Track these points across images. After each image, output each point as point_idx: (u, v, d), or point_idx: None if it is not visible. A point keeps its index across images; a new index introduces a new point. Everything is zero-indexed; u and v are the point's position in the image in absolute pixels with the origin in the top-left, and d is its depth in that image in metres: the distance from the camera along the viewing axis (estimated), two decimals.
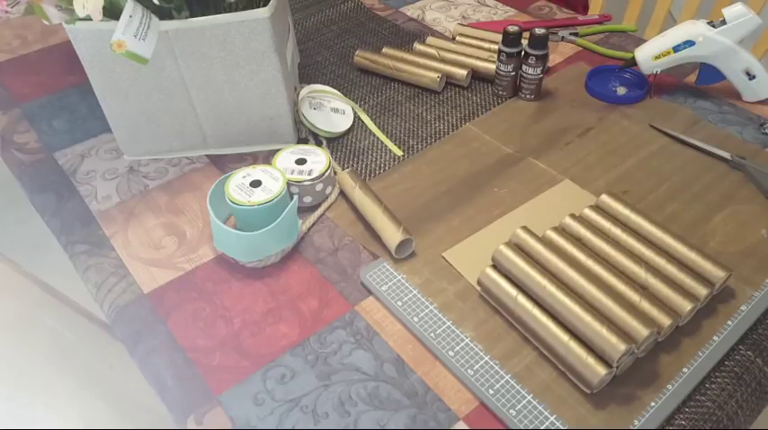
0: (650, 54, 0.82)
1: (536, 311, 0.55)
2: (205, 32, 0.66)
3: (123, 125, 0.75)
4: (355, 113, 0.85)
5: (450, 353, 0.55)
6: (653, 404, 0.51)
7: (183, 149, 0.78)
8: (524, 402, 0.52)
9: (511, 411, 0.51)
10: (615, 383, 0.53)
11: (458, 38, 0.96)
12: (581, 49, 0.97)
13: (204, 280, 0.63)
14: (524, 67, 0.83)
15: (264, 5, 0.66)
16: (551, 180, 0.73)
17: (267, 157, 0.78)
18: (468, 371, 0.54)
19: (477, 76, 0.90)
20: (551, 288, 0.55)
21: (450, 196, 0.72)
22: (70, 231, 0.70)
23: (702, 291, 0.56)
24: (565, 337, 0.53)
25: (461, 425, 0.51)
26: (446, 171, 0.75)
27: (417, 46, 0.94)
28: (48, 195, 0.74)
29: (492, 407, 0.52)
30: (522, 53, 0.83)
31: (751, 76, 0.81)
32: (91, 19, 0.61)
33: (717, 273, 0.57)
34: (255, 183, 0.65)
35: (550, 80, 0.90)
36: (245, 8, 0.67)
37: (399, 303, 0.59)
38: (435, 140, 0.80)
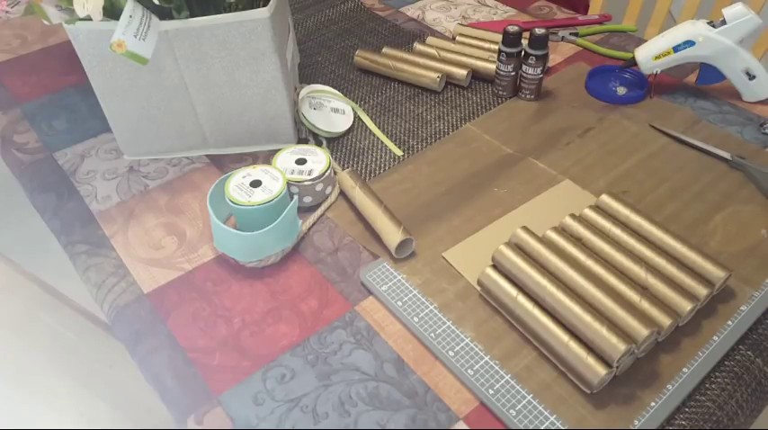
0: (650, 54, 0.82)
1: (536, 311, 0.55)
2: (205, 32, 0.66)
3: (123, 125, 0.75)
4: (355, 113, 0.85)
5: (451, 353, 0.55)
6: (653, 404, 0.52)
7: (183, 149, 0.78)
8: (524, 402, 0.52)
9: (511, 411, 0.51)
10: (615, 383, 0.53)
11: (458, 38, 0.96)
12: (581, 49, 0.97)
13: (204, 280, 0.63)
14: (524, 67, 0.83)
15: (264, 5, 0.66)
16: (551, 180, 0.73)
17: (267, 157, 0.78)
18: (468, 371, 0.54)
19: (477, 76, 0.90)
20: (551, 288, 0.55)
21: (450, 196, 0.72)
22: (70, 231, 0.70)
23: (702, 291, 0.56)
24: (565, 337, 0.53)
25: (461, 425, 0.51)
26: (446, 171, 0.75)
27: (417, 46, 0.94)
28: (48, 195, 0.74)
29: (492, 407, 0.52)
30: (522, 53, 0.83)
31: (751, 76, 0.81)
32: (91, 19, 0.61)
33: (717, 273, 0.57)
34: (255, 183, 0.65)
35: (550, 80, 0.90)
36: (245, 8, 0.67)
37: (399, 303, 0.59)
38: (435, 140, 0.80)
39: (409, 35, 1.01)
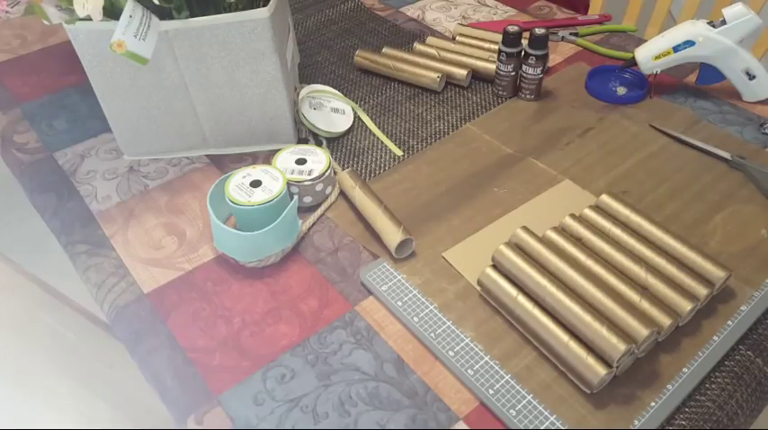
0: (650, 54, 0.82)
1: (536, 311, 0.55)
2: (205, 32, 0.66)
3: (123, 125, 0.75)
4: (355, 113, 0.85)
5: (451, 353, 0.55)
6: (653, 404, 0.52)
7: (183, 149, 0.78)
8: (524, 402, 0.52)
9: (511, 411, 0.51)
10: (615, 383, 0.53)
11: (458, 38, 0.96)
12: (581, 49, 0.97)
13: (204, 280, 0.63)
14: (524, 67, 0.83)
15: (264, 5, 0.66)
16: (551, 180, 0.73)
17: (267, 157, 0.78)
18: (468, 371, 0.54)
19: (477, 76, 0.90)
20: (551, 288, 0.55)
21: (450, 196, 0.72)
22: (70, 231, 0.70)
23: (702, 291, 0.56)
24: (565, 337, 0.53)
25: (461, 425, 0.51)
26: (446, 171, 0.75)
27: (417, 46, 0.94)
28: (48, 195, 0.74)
29: (492, 407, 0.52)
30: (522, 53, 0.83)
31: (751, 76, 0.81)
32: (91, 19, 0.61)
33: (717, 273, 0.57)
34: (255, 183, 0.65)
35: (550, 80, 0.90)
36: (245, 8, 0.67)
37: (399, 303, 0.59)
38: (435, 140, 0.80)
39: (409, 35, 1.01)
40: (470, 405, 0.52)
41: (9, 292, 0.83)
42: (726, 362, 0.55)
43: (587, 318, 0.52)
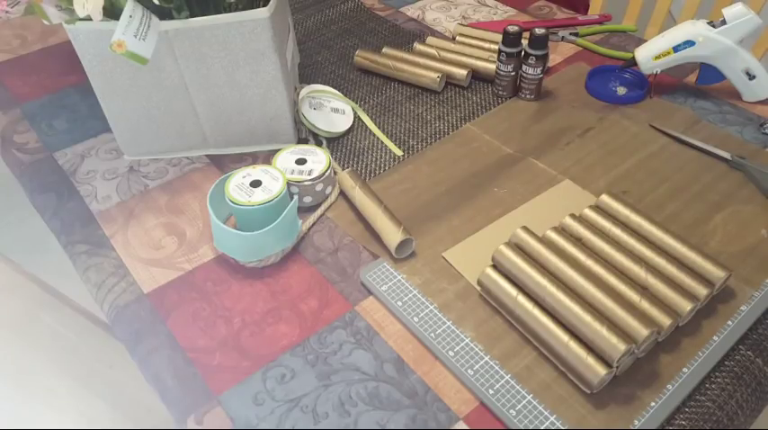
0: (650, 54, 0.82)
1: (536, 311, 0.55)
2: (205, 32, 0.66)
3: (123, 125, 0.75)
4: (355, 113, 0.85)
5: (451, 353, 0.55)
6: (653, 404, 0.52)
7: (183, 149, 0.78)
8: (524, 402, 0.52)
9: (511, 411, 0.51)
10: (615, 383, 0.53)
11: (458, 38, 0.96)
12: (581, 49, 0.97)
13: (204, 280, 0.63)
14: (524, 67, 0.83)
15: (264, 5, 0.66)
16: (551, 180, 0.73)
17: (267, 157, 0.78)
18: (468, 371, 0.54)
19: (477, 76, 0.90)
20: (551, 288, 0.55)
21: (450, 196, 0.72)
22: (70, 231, 0.70)
23: (702, 291, 0.56)
24: (565, 337, 0.53)
25: (461, 425, 0.51)
26: (446, 171, 0.75)
27: (417, 46, 0.94)
28: (48, 195, 0.74)
29: (492, 407, 0.52)
30: (522, 53, 0.83)
31: (751, 76, 0.81)
32: (91, 19, 0.61)
33: (717, 273, 0.57)
34: (255, 183, 0.65)
35: (550, 80, 0.90)
36: (245, 8, 0.67)
37: (399, 303, 0.59)
38: (435, 140, 0.80)
39: (409, 35, 1.01)
40: (470, 405, 0.52)
41: (9, 292, 0.83)
42: (726, 362, 0.55)
43: (587, 317, 0.52)
